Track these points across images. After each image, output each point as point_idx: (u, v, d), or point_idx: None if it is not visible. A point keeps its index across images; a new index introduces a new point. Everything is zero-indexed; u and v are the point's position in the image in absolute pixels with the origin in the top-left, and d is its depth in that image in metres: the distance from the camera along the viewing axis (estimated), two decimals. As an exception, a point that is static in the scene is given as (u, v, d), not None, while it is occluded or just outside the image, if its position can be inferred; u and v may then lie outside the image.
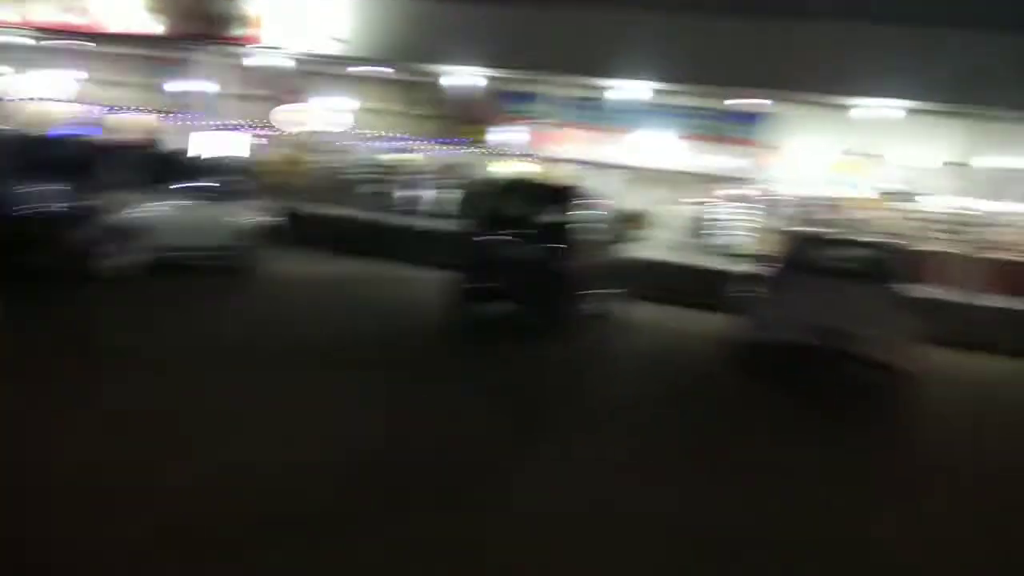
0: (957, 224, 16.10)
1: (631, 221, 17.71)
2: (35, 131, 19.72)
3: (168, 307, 8.19)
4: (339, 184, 19.62)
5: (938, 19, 14.22)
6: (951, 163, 16.43)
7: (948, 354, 10.90)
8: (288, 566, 3.09)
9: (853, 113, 16.46)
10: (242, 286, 10.23)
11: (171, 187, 9.82)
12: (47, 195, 8.54)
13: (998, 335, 12.25)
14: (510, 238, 8.98)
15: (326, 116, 21.06)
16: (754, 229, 18.47)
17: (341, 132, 21.27)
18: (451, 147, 21.82)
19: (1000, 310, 13.11)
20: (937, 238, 17.54)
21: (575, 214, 9.13)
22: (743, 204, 19.74)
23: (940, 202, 18.85)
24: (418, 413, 5.47)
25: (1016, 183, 17.64)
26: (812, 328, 7.69)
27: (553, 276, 8.68)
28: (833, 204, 18.81)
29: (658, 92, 17.25)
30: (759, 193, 19.27)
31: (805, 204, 18.52)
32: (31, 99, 23.46)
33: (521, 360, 7.84)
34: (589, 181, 19.93)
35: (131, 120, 22.81)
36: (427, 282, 11.81)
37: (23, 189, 8.48)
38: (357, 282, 11.65)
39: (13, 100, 23.49)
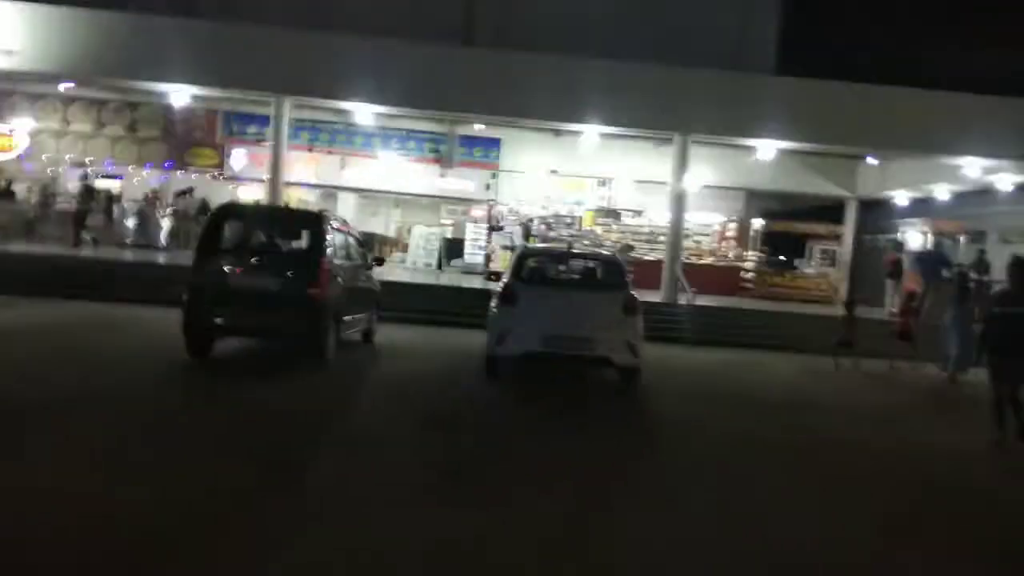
0: (662, 235, 18.25)
1: (377, 244, 17.63)
2: None
3: None
4: (33, 217, 17.15)
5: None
6: (655, 181, 18.64)
7: (668, 349, 12.30)
8: None
9: (572, 138, 17.95)
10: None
11: None
12: None
13: (704, 329, 14.13)
14: (248, 267, 8.37)
15: (25, 141, 18.33)
16: (493, 247, 19.38)
17: (28, 157, 18.64)
18: (169, 171, 20.12)
19: (702, 307, 15.10)
20: (647, 247, 19.84)
21: (317, 239, 8.78)
22: (481, 224, 20.67)
23: (648, 216, 21.38)
24: (150, 464, 4.84)
25: (709, 198, 20.58)
26: (549, 337, 8.16)
27: (299, 304, 8.26)
28: (559, 221, 20.43)
29: (389, 116, 17.40)
30: (494, 213, 20.29)
31: (535, 222, 19.87)
32: None
33: (270, 393, 7.32)
34: (330, 205, 19.62)
35: None
36: (151, 321, 10.71)
37: None
38: (66, 327, 10.13)
39: None
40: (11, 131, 18.48)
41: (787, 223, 22.48)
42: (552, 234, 19.45)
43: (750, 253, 21.16)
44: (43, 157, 19.03)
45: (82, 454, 4.99)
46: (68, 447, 5.12)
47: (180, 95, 15.65)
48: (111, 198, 19.03)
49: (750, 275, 20.02)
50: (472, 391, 8.26)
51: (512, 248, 15.59)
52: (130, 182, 20.20)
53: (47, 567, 3.43)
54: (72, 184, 18.70)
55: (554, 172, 20.66)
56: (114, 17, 14.92)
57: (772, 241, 22.39)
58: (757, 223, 22.30)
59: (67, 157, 19.23)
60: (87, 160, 19.38)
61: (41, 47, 14.71)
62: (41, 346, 8.82)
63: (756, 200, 22.68)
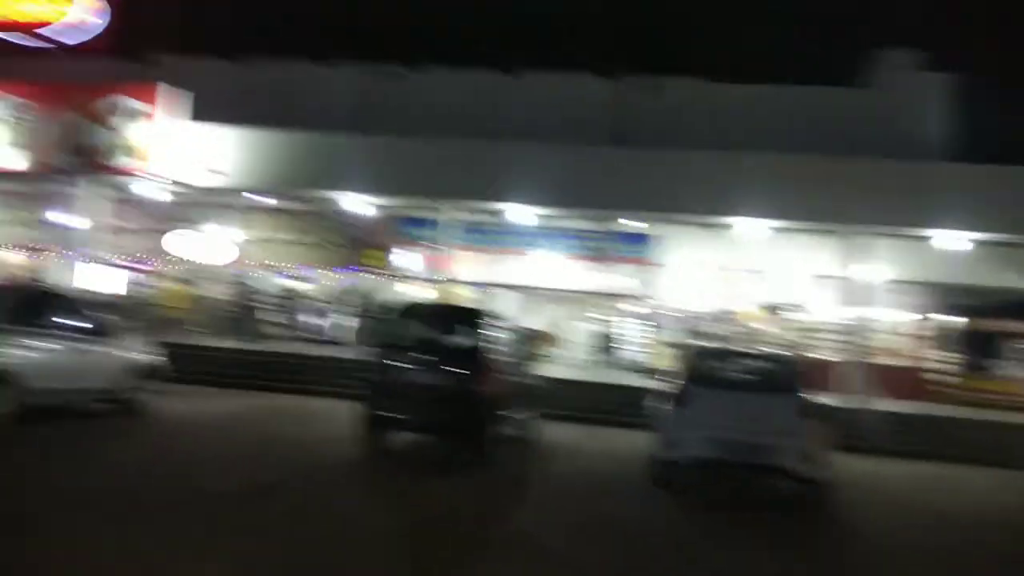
0: (837, 332, 17.17)
1: (536, 340, 17.93)
2: None
3: (45, 456, 7.37)
4: (232, 315, 18.93)
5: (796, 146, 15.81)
6: (825, 275, 17.74)
7: (848, 459, 11.34)
8: None
9: (731, 232, 17.62)
10: (128, 429, 9.41)
11: (49, 327, 9.11)
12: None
13: (888, 438, 12.92)
14: (418, 364, 8.77)
15: (215, 247, 20.56)
16: (653, 344, 19.06)
17: (232, 262, 20.76)
18: (350, 274, 21.69)
19: (887, 413, 13.88)
20: (821, 346, 18.67)
21: (481, 336, 9.06)
22: (640, 320, 20.45)
23: (820, 312, 20.23)
24: (334, 552, 5.03)
25: (884, 292, 19.26)
26: (721, 443, 7.77)
27: (465, 401, 8.48)
28: (722, 318, 19.79)
29: (548, 216, 17.99)
30: (653, 309, 20.05)
31: (697, 318, 19.38)
32: None
33: (437, 490, 7.47)
34: (490, 302, 20.28)
35: (6, 257, 21.49)
36: (332, 413, 11.36)
37: None
38: (256, 418, 10.98)
39: None
40: (220, 240, 20.77)
41: (981, 319, 20.48)
42: (713, 331, 18.86)
43: (937, 352, 19.38)
44: (246, 262, 21.15)
45: (248, 543, 5.27)
46: (241, 536, 5.43)
47: (359, 203, 17.16)
48: (301, 298, 20.79)
49: (941, 377, 18.27)
50: (636, 497, 7.98)
51: (672, 345, 15.28)
52: (319, 283, 22.01)
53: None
54: (265, 285, 20.61)
55: (712, 266, 20.22)
56: (304, 137, 16.77)
57: (963, 339, 20.41)
58: (944, 319, 20.48)
59: (266, 262, 21.25)
60: (284, 264, 21.33)
61: (245, 166, 16.73)
62: (230, 435, 9.58)
63: (943, 295, 20.89)
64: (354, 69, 21.37)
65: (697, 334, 18.18)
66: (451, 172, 16.08)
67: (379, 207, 18.87)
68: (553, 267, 20.92)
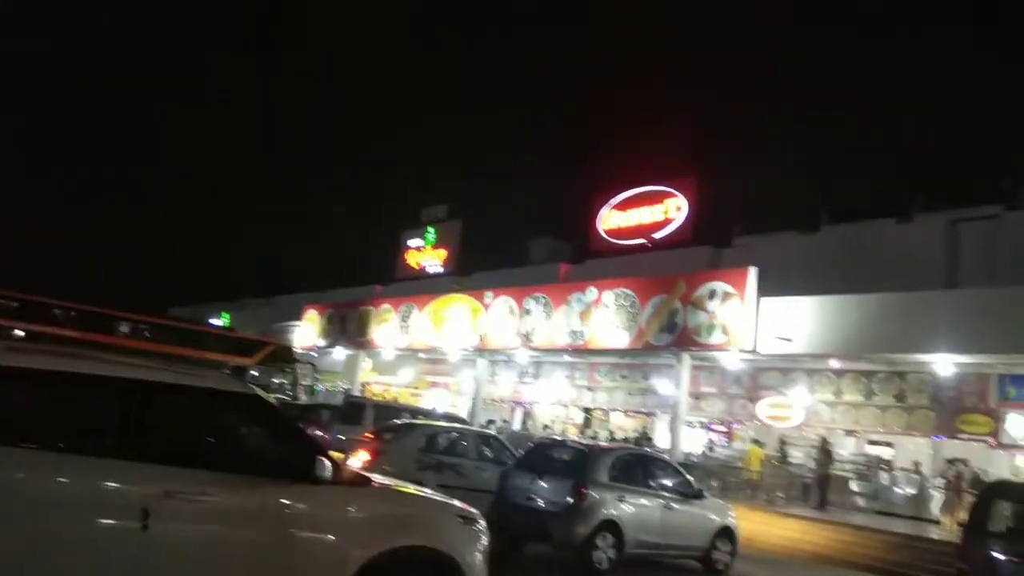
0: None
1: None
2: (548, 431, 23.43)
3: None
4: (810, 481, 18.65)
5: None
6: None
7: None
8: None
9: None
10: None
11: (648, 486, 10.52)
12: (549, 490, 9.89)
13: None
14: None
15: (792, 412, 20.88)
16: None
17: (809, 427, 20.72)
18: (942, 441, 19.42)
19: None
20: None
21: None
22: None
23: None
24: None
25: None
26: None
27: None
28: None
29: None
30: None
31: None
32: (535, 404, 28.28)
33: None
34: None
35: (620, 420, 25.73)
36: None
37: (533, 485, 10.00)
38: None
39: (527, 404, 28.58)
40: (789, 403, 21.13)
41: None
42: None
43: None
44: (816, 426, 20.94)
45: None
46: None
47: (943, 364, 15.60)
48: (883, 466, 19.42)
49: None
50: None
51: None
52: (900, 449, 20.27)
53: None
54: (845, 450, 19.88)
55: None
56: (878, 299, 16.27)
57: None
58: None
59: (844, 427, 20.69)
60: (864, 429, 20.45)
61: (813, 332, 17.00)
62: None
63: None
64: (938, 217, 20.14)
65: None
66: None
67: (975, 365, 16.85)
68: None
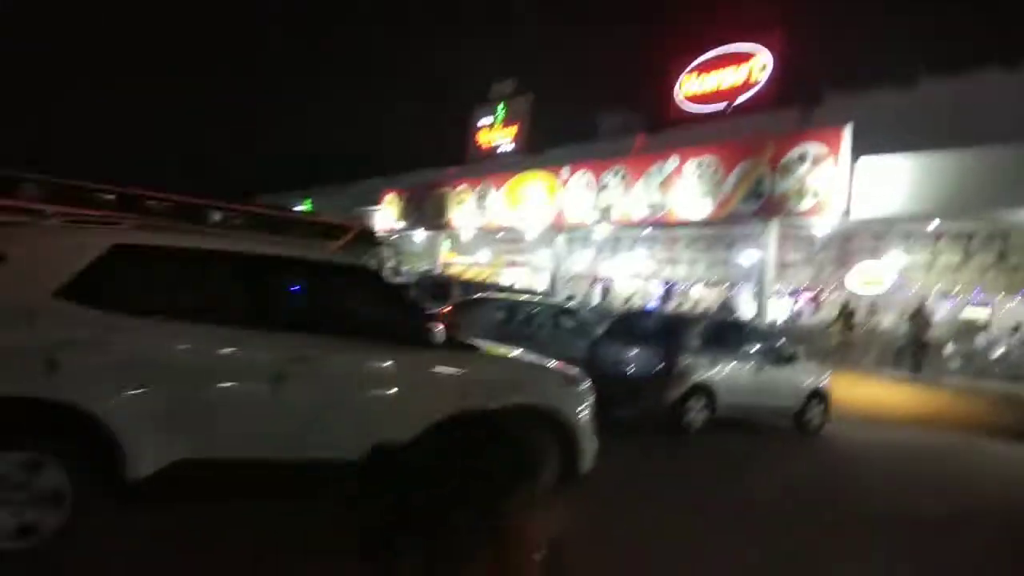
0: None
1: None
2: (629, 305, 23.62)
3: (745, 462, 8.66)
4: (903, 346, 18.34)
5: None
6: None
7: None
8: None
9: None
10: (799, 448, 10.22)
11: (737, 351, 10.61)
12: (639, 358, 10.10)
13: None
14: None
15: (884, 276, 20.28)
16: None
17: (902, 291, 20.16)
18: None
19: None
20: None
21: None
22: None
23: None
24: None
25: None
26: None
27: None
28: None
29: None
30: None
31: None
32: (614, 279, 28.35)
33: None
34: None
35: (701, 292, 25.63)
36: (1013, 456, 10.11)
37: (621, 353, 10.23)
38: (926, 454, 10.51)
39: (606, 279, 28.71)
40: (881, 268, 20.50)
41: None
42: None
43: None
44: (912, 290, 20.35)
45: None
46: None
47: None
48: (979, 328, 18.90)
49: None
50: None
51: None
52: (998, 312, 19.59)
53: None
54: (939, 314, 19.35)
55: None
56: (981, 153, 15.24)
57: None
58: None
59: (935, 288, 20.06)
60: (959, 291, 19.79)
61: (910, 192, 16.18)
62: (898, 464, 9.41)
63: None
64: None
65: None
66: None
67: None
68: None
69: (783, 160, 17.94)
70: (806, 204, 17.56)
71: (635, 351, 10.18)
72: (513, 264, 32.15)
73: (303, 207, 39.71)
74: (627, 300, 26.18)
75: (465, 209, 29.05)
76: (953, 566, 5.51)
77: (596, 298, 28.15)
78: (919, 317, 16.97)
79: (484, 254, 32.30)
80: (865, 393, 14.50)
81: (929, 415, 13.34)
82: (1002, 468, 9.93)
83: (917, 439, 11.58)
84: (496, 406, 4.96)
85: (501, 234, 29.79)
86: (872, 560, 5.45)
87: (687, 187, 20.32)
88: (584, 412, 5.51)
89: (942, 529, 6.37)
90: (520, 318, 12.07)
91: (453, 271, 31.41)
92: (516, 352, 5.97)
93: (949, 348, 18.41)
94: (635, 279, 27.78)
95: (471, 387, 4.99)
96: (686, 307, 23.90)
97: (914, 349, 16.78)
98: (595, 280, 29.63)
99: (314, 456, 4.41)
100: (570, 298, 23.38)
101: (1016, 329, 18.27)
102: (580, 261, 28.98)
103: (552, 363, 5.87)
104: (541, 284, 27.26)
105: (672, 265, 26.37)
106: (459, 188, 29.59)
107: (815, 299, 22.85)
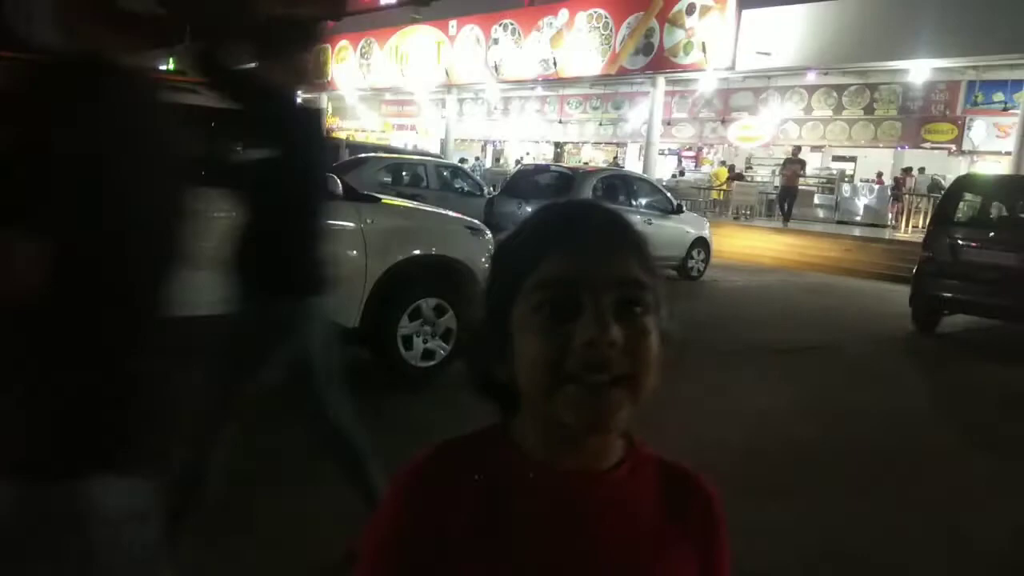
0: None
1: None
2: (526, 163, 23.56)
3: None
4: (774, 197, 19.43)
5: None
6: None
7: None
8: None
9: None
10: (691, 291, 10.89)
11: (632, 204, 10.97)
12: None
13: None
14: (986, 241, 8.02)
15: (762, 130, 21.09)
16: None
17: (778, 144, 21.09)
18: (907, 151, 20.03)
19: None
20: None
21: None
22: None
23: None
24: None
25: None
26: None
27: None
28: None
29: None
30: None
31: None
32: (505, 141, 28.10)
33: (1006, 374, 6.92)
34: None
35: (591, 153, 25.87)
36: (878, 293, 11.21)
37: (519, 209, 10.37)
38: (796, 291, 11.47)
39: (497, 142, 28.43)
40: (759, 123, 21.27)
41: None
42: None
43: None
44: (784, 144, 21.34)
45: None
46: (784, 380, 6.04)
47: (918, 71, 15.52)
48: (847, 178, 20.18)
49: None
50: None
51: None
52: (863, 163, 20.95)
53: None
54: (811, 166, 20.47)
55: None
56: (855, 4, 15.67)
57: None
58: None
59: (811, 142, 21.09)
60: (831, 143, 20.89)
61: (790, 44, 16.57)
62: (772, 303, 10.26)
63: None
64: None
65: None
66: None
67: (947, 71, 16.82)
68: None
69: (672, 12, 17.83)
70: (692, 58, 17.69)
71: (532, 207, 10.32)
72: (401, 128, 31.19)
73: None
74: (518, 161, 26.18)
75: (346, 68, 27.56)
76: (824, 380, 6.21)
77: (488, 161, 27.98)
78: (790, 169, 17.86)
79: (370, 118, 31.09)
80: (742, 242, 15.45)
81: (798, 260, 14.43)
82: (860, 300, 10.97)
83: (789, 280, 12.54)
84: (398, 259, 5.01)
85: (388, 95, 28.64)
86: (768, 379, 6.07)
87: (577, 42, 19.98)
88: (487, 261, 5.62)
89: (822, 351, 7.14)
90: (407, 178, 11.90)
91: (340, 135, 30.17)
92: (419, 204, 5.95)
93: (816, 198, 19.71)
94: (526, 141, 27.67)
95: (373, 240, 4.97)
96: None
97: (787, 200, 17.79)
98: (486, 143, 29.29)
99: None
100: (463, 160, 23.11)
101: (878, 177, 19.67)
102: (471, 124, 28.46)
103: (458, 215, 5.89)
104: (432, 148, 26.72)
105: (563, 125, 26.34)
106: (339, 44, 27.89)
107: (697, 156, 23.62)
